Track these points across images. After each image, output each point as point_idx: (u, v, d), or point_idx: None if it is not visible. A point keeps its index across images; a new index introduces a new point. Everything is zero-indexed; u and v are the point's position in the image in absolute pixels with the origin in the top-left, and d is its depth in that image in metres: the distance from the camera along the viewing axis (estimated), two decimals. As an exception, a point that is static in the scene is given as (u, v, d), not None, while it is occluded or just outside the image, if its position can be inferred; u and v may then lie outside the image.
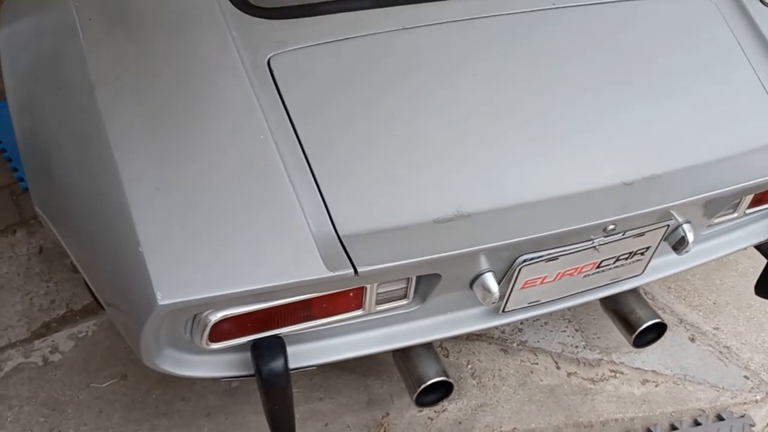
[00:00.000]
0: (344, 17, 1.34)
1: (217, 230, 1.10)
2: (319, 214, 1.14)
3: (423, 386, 1.43)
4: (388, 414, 1.80)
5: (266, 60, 1.27)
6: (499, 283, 1.28)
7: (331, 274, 1.08)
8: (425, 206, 1.18)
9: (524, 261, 1.25)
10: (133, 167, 1.14)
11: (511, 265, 1.26)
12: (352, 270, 1.08)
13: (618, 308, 1.62)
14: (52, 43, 1.37)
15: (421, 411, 1.80)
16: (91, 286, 1.28)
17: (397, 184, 1.19)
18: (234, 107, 1.21)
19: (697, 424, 1.81)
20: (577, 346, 1.98)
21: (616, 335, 2.00)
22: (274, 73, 1.26)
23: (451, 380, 1.46)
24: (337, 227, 1.14)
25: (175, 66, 1.25)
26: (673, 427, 1.80)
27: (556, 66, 1.35)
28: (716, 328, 2.05)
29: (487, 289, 1.26)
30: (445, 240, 1.14)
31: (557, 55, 1.37)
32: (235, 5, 1.32)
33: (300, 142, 1.20)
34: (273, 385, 1.19)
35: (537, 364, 1.93)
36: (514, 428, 1.79)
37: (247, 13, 1.32)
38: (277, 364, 1.18)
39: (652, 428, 1.79)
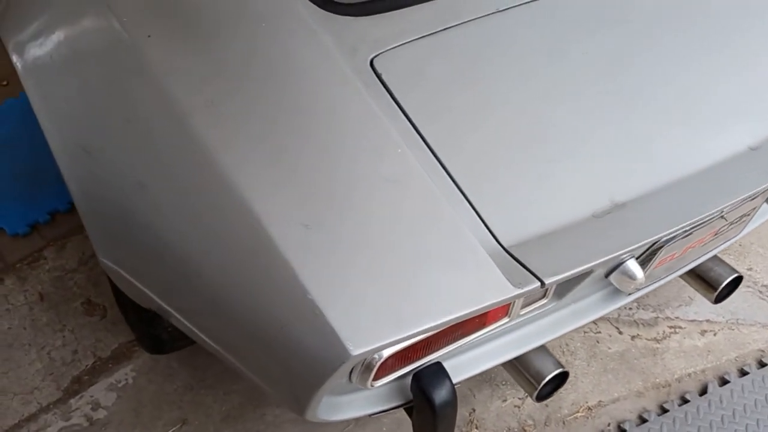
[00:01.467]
0: (433, 6, 1.22)
1: (386, 262, 0.98)
2: (477, 228, 1.05)
3: (544, 381, 1.38)
4: (474, 410, 1.74)
5: (368, 62, 1.15)
6: (635, 267, 1.23)
7: (519, 291, 0.99)
8: (577, 201, 1.11)
9: (666, 241, 1.21)
10: (271, 205, 1.00)
11: (652, 247, 1.21)
12: (538, 283, 1.00)
13: (696, 269, 1.61)
14: (101, 67, 1.18)
15: (505, 401, 1.75)
16: (226, 355, 1.13)
17: (541, 181, 1.11)
18: (356, 120, 1.09)
19: (762, 365, 1.86)
20: (630, 308, 1.97)
21: (662, 291, 2.02)
22: (382, 75, 1.14)
23: (567, 370, 1.41)
24: (500, 240, 1.04)
25: (273, 82, 1.10)
26: (743, 372, 1.84)
27: (660, 34, 1.30)
28: (750, 269, 2.10)
29: (631, 276, 1.21)
30: (616, 234, 1.07)
31: (659, 24, 1.31)
32: (316, 3, 1.17)
33: (432, 149, 1.09)
34: (445, 412, 1.09)
35: (600, 332, 1.91)
36: (599, 401, 1.77)
37: (332, 12, 1.18)
38: (447, 390, 1.09)
39: (726, 376, 1.82)
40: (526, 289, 0.99)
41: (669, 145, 1.18)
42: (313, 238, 0.98)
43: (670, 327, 1.94)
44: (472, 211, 1.05)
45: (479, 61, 1.19)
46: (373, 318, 0.94)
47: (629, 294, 1.35)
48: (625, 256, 1.20)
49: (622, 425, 1.72)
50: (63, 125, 1.22)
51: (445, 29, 1.20)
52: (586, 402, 1.76)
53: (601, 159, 1.15)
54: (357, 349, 0.92)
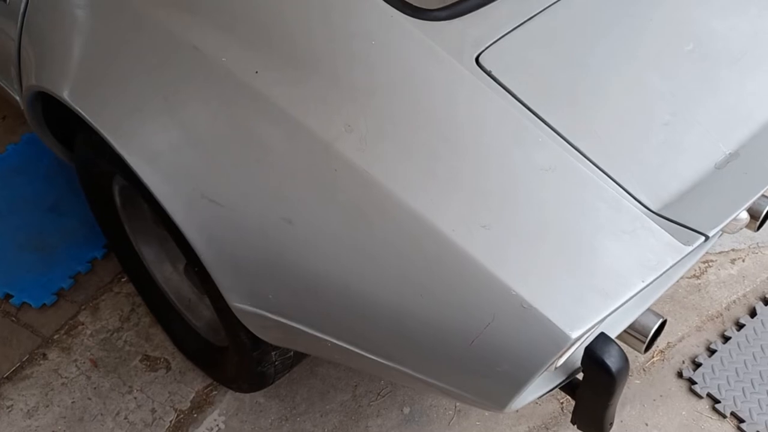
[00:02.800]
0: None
1: (568, 245, 1.02)
2: (628, 200, 1.10)
3: (652, 332, 1.45)
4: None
5: (474, 61, 1.18)
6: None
7: (690, 248, 1.05)
8: (699, 157, 1.18)
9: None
10: (446, 214, 1.02)
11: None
12: (703, 237, 1.07)
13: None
14: (210, 112, 1.16)
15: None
16: (399, 368, 1.14)
17: (665, 145, 1.17)
18: (491, 118, 1.12)
19: (793, 280, 2.02)
20: (664, 252, 2.09)
21: (684, 230, 2.14)
22: (492, 72, 1.17)
23: (665, 318, 1.49)
24: (649, 207, 1.10)
25: (402, 96, 1.12)
26: (780, 289, 1.99)
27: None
28: (752, 195, 2.26)
29: (741, 216, 1.29)
30: (746, 179, 1.15)
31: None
32: (407, 14, 1.19)
33: (561, 134, 1.13)
34: (623, 378, 1.15)
35: (646, 280, 2.02)
36: (668, 343, 1.88)
37: (425, 19, 1.20)
38: (620, 356, 1.14)
39: (766, 296, 1.97)
40: (695, 245, 1.05)
41: (760, 93, 1.27)
42: (495, 236, 1.01)
43: (703, 262, 2.07)
44: (616, 185, 1.11)
45: (573, 40, 1.24)
46: (579, 299, 0.98)
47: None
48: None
49: (695, 359, 1.83)
50: (174, 176, 1.18)
51: (533, 17, 1.24)
52: (657, 347, 1.86)
53: (704, 115, 1.22)
54: (575, 331, 0.96)
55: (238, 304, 1.22)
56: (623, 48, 1.26)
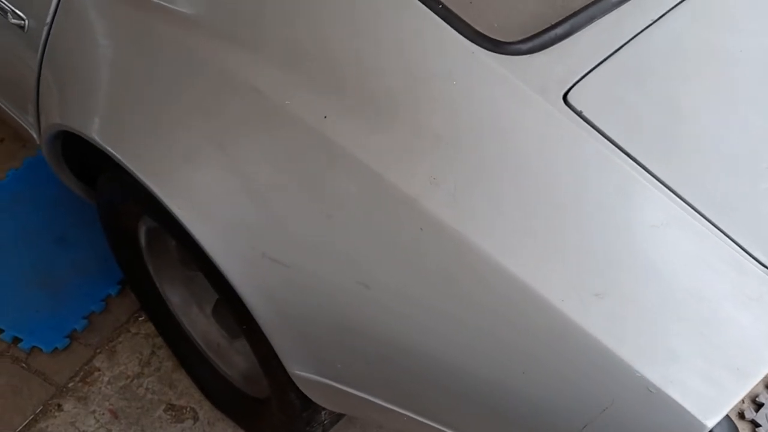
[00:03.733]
0: (596, 29, 1.14)
1: (693, 315, 0.91)
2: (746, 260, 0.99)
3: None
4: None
5: (561, 99, 1.06)
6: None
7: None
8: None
9: None
10: (552, 281, 0.90)
11: None
12: None
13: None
14: (275, 164, 1.04)
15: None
16: None
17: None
18: (589, 166, 1.00)
19: None
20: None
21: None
22: (583, 112, 1.05)
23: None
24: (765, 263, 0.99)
25: (489, 142, 1.00)
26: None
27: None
28: None
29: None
30: None
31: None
32: (487, 48, 1.07)
33: (666, 185, 1.02)
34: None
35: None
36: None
37: (506, 54, 1.08)
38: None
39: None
40: None
41: None
42: (611, 307, 0.90)
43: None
44: (734, 243, 0.99)
45: (662, 75, 1.13)
46: (711, 380, 0.87)
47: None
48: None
49: (756, 399, 1.74)
50: (231, 233, 1.05)
51: (618, 49, 1.13)
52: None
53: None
54: (711, 419, 0.85)
55: (299, 372, 1.10)
56: (716, 82, 1.15)
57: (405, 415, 1.05)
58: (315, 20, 1.06)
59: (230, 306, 1.23)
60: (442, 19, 1.04)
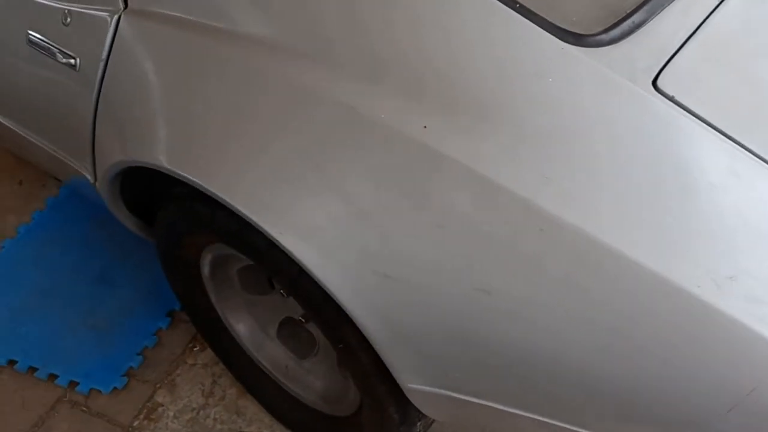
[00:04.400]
0: (673, 10, 1.14)
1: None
2: None
3: None
4: None
5: (651, 86, 1.06)
6: None
7: None
8: None
9: None
10: (682, 268, 0.90)
11: None
12: None
13: None
14: (378, 173, 1.03)
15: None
16: None
17: None
18: (695, 150, 1.00)
19: None
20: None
21: None
22: (676, 97, 1.05)
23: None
24: None
25: (591, 134, 1.00)
26: None
27: None
28: None
29: None
30: None
31: None
32: (571, 42, 1.06)
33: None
34: None
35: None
36: None
37: (592, 47, 1.07)
38: None
39: None
40: None
41: None
42: (745, 287, 0.90)
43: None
44: None
45: (740, 51, 1.13)
46: None
47: None
48: None
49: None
50: (337, 252, 1.04)
51: (695, 31, 1.13)
52: None
53: None
54: None
55: (414, 385, 1.09)
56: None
57: (530, 418, 1.04)
58: (399, 30, 1.05)
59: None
60: (525, 18, 1.04)
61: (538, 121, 0.99)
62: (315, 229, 1.05)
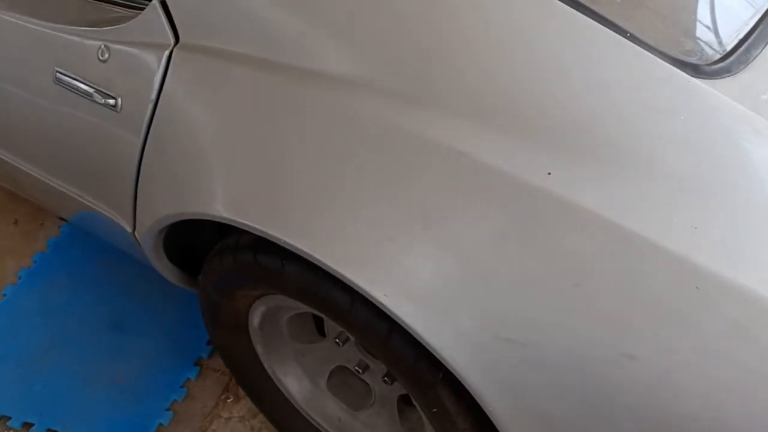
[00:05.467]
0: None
1: None
2: None
3: None
4: None
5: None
6: None
7: None
8: None
9: None
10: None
11: None
12: None
13: None
14: (497, 226, 0.92)
15: None
16: None
17: None
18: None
19: None
20: None
21: None
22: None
23: None
24: None
25: (733, 176, 0.91)
26: None
27: None
28: None
29: None
30: None
31: None
32: (692, 74, 0.97)
33: None
34: None
35: None
36: None
37: (715, 78, 0.99)
38: None
39: None
40: None
41: None
42: None
43: None
44: None
45: None
46: None
47: None
48: None
49: None
50: (450, 315, 0.93)
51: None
52: None
53: None
54: None
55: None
56: None
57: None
58: (514, 69, 0.95)
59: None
60: (645, 49, 0.94)
61: (676, 163, 0.89)
62: (425, 290, 0.93)
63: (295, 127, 1.02)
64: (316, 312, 1.18)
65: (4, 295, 1.94)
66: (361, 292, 0.96)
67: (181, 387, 1.74)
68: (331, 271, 0.98)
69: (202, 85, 1.10)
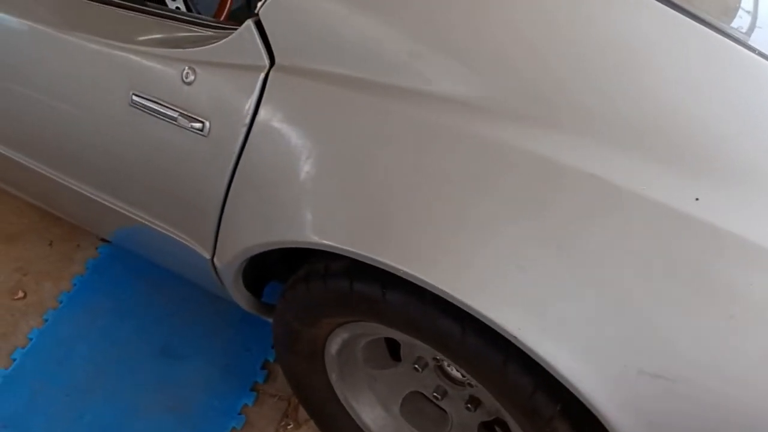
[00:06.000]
0: None
1: None
2: None
3: None
4: None
5: None
6: None
7: None
8: None
9: None
10: None
11: None
12: None
13: None
14: (643, 258, 0.88)
15: None
16: None
17: None
18: None
19: None
20: None
21: None
22: None
23: None
24: None
25: None
26: None
27: None
28: None
29: None
30: None
31: None
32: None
33: None
34: None
35: None
36: None
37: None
38: None
39: None
40: None
41: None
42: None
43: None
44: None
45: None
46: None
47: None
48: None
49: None
50: (594, 351, 0.89)
51: None
52: None
53: None
54: None
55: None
56: None
57: None
58: (652, 91, 0.91)
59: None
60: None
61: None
62: (562, 323, 0.89)
63: (409, 151, 0.97)
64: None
65: (46, 320, 1.88)
66: (490, 324, 0.91)
67: (239, 414, 1.69)
68: (457, 303, 0.93)
69: (302, 108, 1.05)
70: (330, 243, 1.01)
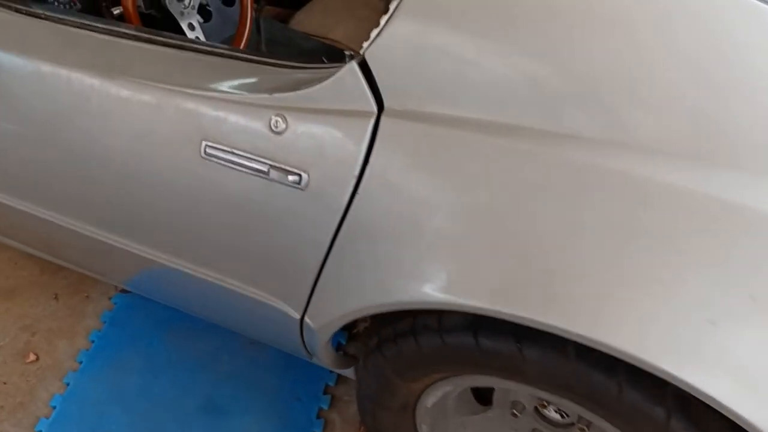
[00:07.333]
0: None
1: None
2: None
3: None
4: None
5: None
6: None
7: None
8: None
9: None
10: None
11: None
12: None
13: None
14: None
15: None
16: None
17: None
18: None
19: None
20: None
21: None
22: None
23: None
24: None
25: None
26: None
27: None
28: None
29: None
30: None
31: None
32: None
33: None
34: None
35: None
36: None
37: None
38: None
39: None
40: None
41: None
42: None
43: None
44: None
45: None
46: None
47: None
48: None
49: None
50: None
51: None
52: None
53: None
54: None
55: None
56: None
57: None
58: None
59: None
60: None
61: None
62: (749, 373, 0.83)
63: (567, 199, 0.89)
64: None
65: (67, 384, 1.72)
66: (685, 388, 0.84)
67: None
68: (644, 367, 0.85)
69: (425, 156, 0.96)
70: (476, 305, 0.92)
